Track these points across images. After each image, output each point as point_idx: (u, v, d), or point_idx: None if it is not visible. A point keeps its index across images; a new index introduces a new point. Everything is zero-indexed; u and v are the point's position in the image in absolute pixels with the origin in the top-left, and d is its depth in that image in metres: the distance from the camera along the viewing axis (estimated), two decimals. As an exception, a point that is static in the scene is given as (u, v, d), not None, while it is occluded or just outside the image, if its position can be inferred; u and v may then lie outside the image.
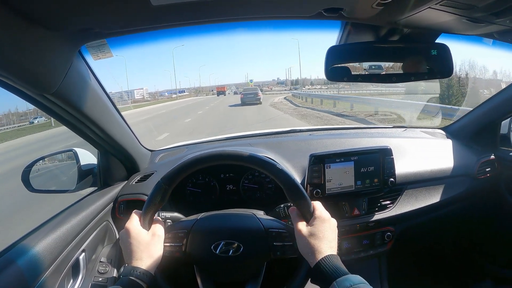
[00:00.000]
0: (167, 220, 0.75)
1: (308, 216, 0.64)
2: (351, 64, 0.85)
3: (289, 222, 0.69)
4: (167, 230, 0.70)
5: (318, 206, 0.66)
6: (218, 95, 33.30)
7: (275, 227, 0.68)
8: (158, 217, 0.71)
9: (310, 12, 0.61)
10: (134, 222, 0.67)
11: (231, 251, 0.67)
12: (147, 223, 0.67)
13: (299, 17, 0.62)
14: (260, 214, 0.88)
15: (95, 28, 0.63)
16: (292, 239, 0.66)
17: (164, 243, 0.68)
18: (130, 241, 0.64)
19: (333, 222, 0.64)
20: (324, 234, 0.61)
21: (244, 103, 16.99)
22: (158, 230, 0.68)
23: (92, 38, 0.70)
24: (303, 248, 0.61)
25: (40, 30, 0.54)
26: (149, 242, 0.65)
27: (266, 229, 0.68)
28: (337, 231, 0.64)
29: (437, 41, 0.88)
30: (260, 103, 16.81)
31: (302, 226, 0.62)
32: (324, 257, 0.57)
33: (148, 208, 0.67)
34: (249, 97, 17.43)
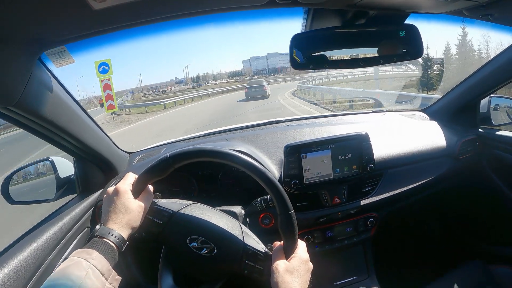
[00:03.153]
0: (157, 193, 0.73)
1: (290, 252, 0.64)
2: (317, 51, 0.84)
3: (268, 247, 0.69)
4: (153, 203, 0.69)
5: (301, 246, 0.66)
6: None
7: (253, 247, 0.68)
8: (150, 188, 0.69)
9: (261, 1, 0.59)
10: (126, 185, 0.65)
11: (204, 249, 0.66)
12: (138, 191, 0.66)
13: (250, 7, 0.61)
14: (238, 209, 0.88)
15: (47, 37, 0.62)
16: (264, 265, 0.66)
17: (146, 214, 0.67)
18: (116, 202, 0.62)
19: (310, 266, 0.65)
20: (299, 273, 0.61)
21: (249, 98, 14.97)
22: (146, 201, 0.66)
23: (49, 46, 0.69)
24: (275, 283, 0.61)
25: None
26: (133, 210, 0.63)
27: (245, 245, 0.67)
28: (310, 275, 0.65)
29: (406, 22, 0.87)
30: (267, 97, 14.80)
31: (280, 261, 0.63)
32: None
33: (145, 176, 0.66)
34: (254, 91, 15.41)
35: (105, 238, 0.58)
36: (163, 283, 0.66)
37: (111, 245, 0.57)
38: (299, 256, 0.64)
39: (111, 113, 11.87)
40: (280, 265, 0.62)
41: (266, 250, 0.69)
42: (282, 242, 0.66)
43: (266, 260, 0.66)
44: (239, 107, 12.70)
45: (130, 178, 0.67)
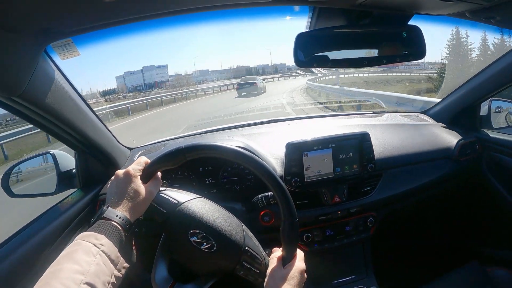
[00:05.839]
0: (164, 181, 0.73)
1: (288, 259, 0.65)
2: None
3: (266, 251, 0.70)
4: (160, 191, 0.69)
5: (299, 255, 0.67)
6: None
7: (253, 249, 0.68)
8: (159, 175, 0.69)
9: None
10: (137, 169, 0.64)
11: (204, 244, 0.66)
12: (148, 177, 0.66)
13: (256, 4, 0.61)
14: (239, 206, 0.88)
15: (55, 28, 0.62)
16: (261, 269, 0.66)
17: (152, 201, 0.66)
18: (125, 185, 0.61)
19: (305, 277, 0.66)
20: (294, 281, 0.62)
21: (240, 95, 14.13)
22: (154, 188, 0.66)
23: (55, 38, 0.69)
24: None
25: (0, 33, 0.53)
26: (141, 195, 0.62)
27: (244, 246, 0.67)
28: (303, 286, 0.65)
29: (410, 23, 0.88)
30: (259, 93, 13.68)
31: (277, 268, 0.64)
32: None
33: (157, 162, 0.66)
34: (246, 88, 14.31)
35: (113, 220, 0.57)
36: (157, 272, 0.66)
37: (118, 228, 0.57)
38: (296, 265, 0.64)
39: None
40: (276, 271, 0.62)
41: (265, 254, 0.69)
42: (281, 248, 0.66)
43: (263, 264, 0.67)
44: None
45: (142, 162, 0.67)
